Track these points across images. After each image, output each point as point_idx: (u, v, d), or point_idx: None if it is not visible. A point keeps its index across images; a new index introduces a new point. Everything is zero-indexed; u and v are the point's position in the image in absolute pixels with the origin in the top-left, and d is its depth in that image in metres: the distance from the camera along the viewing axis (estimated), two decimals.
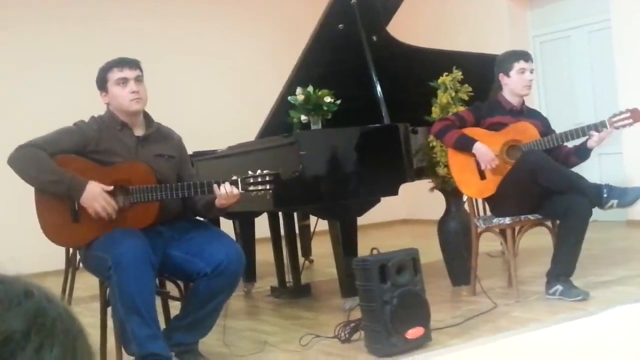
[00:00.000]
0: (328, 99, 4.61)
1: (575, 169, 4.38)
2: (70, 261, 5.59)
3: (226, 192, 3.27)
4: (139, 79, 3.44)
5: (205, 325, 3.43)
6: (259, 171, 3.31)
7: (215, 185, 3.30)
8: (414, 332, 3.43)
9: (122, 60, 3.46)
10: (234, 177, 3.30)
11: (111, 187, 3.27)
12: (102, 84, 3.46)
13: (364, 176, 4.45)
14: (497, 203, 4.39)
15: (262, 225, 5.55)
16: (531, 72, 4.48)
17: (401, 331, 3.40)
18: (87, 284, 5.13)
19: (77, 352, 0.55)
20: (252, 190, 3.30)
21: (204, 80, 8.71)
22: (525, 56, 4.50)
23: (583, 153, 4.41)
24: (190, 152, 4.05)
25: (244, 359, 3.59)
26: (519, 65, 4.43)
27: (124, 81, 3.40)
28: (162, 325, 3.47)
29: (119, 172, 3.32)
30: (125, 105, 3.41)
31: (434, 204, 5.38)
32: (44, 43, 7.85)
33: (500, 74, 4.49)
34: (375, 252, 3.58)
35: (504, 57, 4.56)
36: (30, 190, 3.33)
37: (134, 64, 3.46)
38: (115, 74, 3.41)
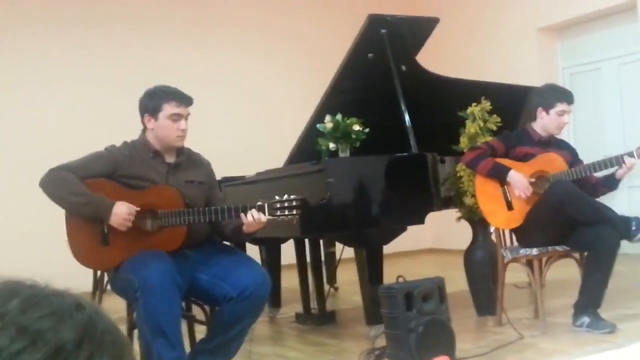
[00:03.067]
0: (357, 127, 4.64)
1: (604, 202, 4.36)
2: (97, 283, 5.67)
3: (253, 218, 3.29)
4: (187, 118, 3.48)
5: (230, 349, 3.43)
6: (285, 196, 3.32)
7: (242, 214, 3.33)
8: None
9: (183, 96, 3.45)
10: (260, 202, 3.33)
11: (138, 208, 3.31)
12: (153, 110, 3.42)
13: (391, 204, 4.45)
14: (524, 234, 4.37)
15: (288, 252, 5.57)
16: (569, 114, 4.47)
17: (426, 359, 3.39)
18: (115, 306, 5.16)
19: None
20: (279, 215, 3.32)
21: (234, 106, 8.81)
22: (569, 99, 4.46)
23: (611, 183, 4.39)
24: (218, 177, 4.09)
25: None
26: (562, 106, 4.41)
27: (178, 117, 3.42)
28: (188, 349, 3.49)
29: (148, 197, 3.36)
30: (171, 140, 3.45)
31: (460, 234, 5.37)
32: (65, 64, 8.00)
33: (540, 108, 4.47)
34: (401, 280, 3.58)
35: (548, 92, 4.54)
36: (60, 212, 3.38)
37: (190, 102, 3.47)
38: (172, 108, 3.41)
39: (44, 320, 0.54)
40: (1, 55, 7.67)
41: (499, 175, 4.36)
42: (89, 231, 3.33)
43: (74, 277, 5.00)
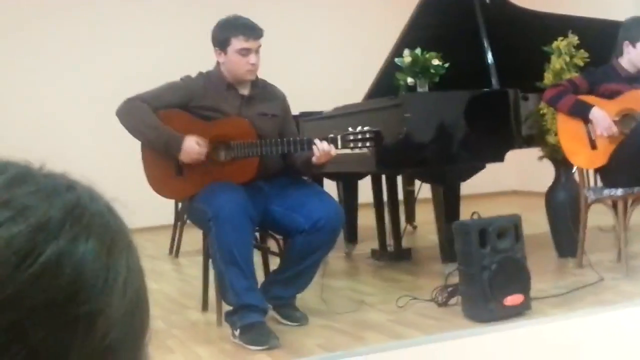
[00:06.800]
0: (436, 62, 4.52)
1: None
2: (179, 215, 5.79)
3: (323, 149, 3.27)
4: (258, 50, 3.43)
5: (302, 281, 3.47)
6: (359, 128, 3.29)
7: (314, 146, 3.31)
8: (512, 299, 3.36)
9: (252, 28, 3.40)
10: (332, 135, 3.30)
11: (206, 144, 3.32)
12: (222, 44, 3.41)
13: (470, 141, 4.36)
14: (609, 174, 4.21)
15: (365, 191, 5.54)
16: None
17: (499, 297, 3.33)
18: (195, 238, 5.29)
19: (115, 246, 0.54)
20: (352, 147, 3.29)
21: (313, 42, 8.76)
22: None
23: None
24: (296, 112, 4.07)
25: (340, 316, 3.61)
26: None
27: (247, 52, 3.38)
28: (262, 280, 3.54)
29: (221, 128, 3.39)
30: (240, 74, 3.43)
31: (543, 176, 5.22)
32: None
33: (626, 42, 4.26)
34: (475, 216, 3.52)
35: (634, 25, 4.32)
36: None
37: (259, 35, 3.41)
38: (240, 42, 3.37)
39: (30, 197, 0.52)
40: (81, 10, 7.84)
41: (581, 113, 4.19)
42: (163, 162, 3.39)
43: (157, 209, 5.18)
